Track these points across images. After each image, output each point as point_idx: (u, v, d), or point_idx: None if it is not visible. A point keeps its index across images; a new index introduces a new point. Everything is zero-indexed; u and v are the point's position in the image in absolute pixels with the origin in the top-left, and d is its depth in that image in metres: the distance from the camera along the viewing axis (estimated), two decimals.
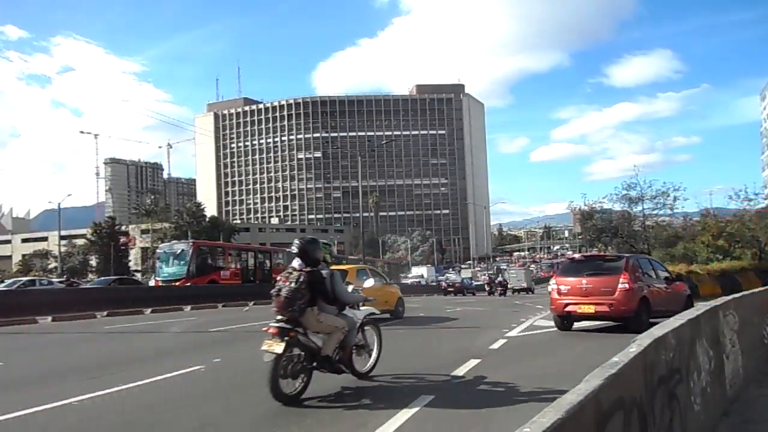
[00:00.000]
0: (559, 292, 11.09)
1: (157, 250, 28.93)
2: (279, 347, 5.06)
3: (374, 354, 6.51)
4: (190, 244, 27.86)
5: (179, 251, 26.68)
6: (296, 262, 5.62)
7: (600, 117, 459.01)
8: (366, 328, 6.39)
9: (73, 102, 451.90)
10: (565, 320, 11.35)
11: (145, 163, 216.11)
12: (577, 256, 13.68)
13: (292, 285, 5.32)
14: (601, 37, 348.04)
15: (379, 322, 7.08)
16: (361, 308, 6.38)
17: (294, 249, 5.65)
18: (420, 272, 74.50)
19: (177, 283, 24.80)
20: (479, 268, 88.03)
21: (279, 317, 5.31)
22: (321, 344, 5.52)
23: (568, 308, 10.91)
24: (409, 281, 59.15)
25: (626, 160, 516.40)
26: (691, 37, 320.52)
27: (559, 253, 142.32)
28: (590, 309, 10.63)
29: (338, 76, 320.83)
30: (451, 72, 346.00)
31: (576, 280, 10.97)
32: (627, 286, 10.33)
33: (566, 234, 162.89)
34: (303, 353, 5.37)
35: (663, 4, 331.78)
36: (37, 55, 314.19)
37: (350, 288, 6.47)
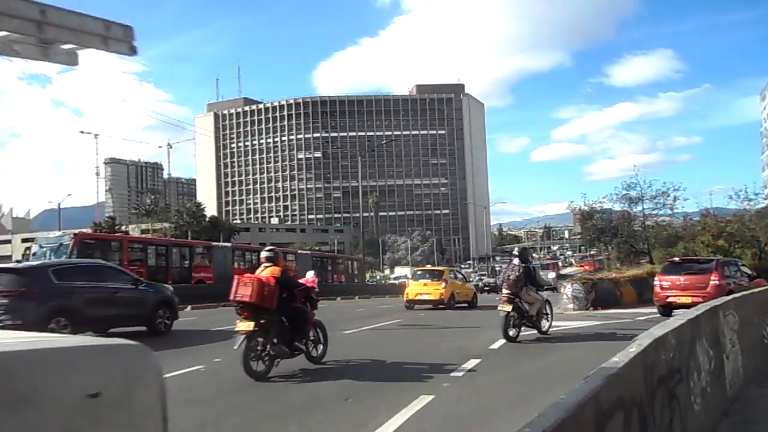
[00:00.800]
0: (662, 287, 13.98)
1: (33, 245, 24.20)
2: (508, 307, 9.38)
3: (550, 320, 10.40)
4: (72, 236, 23.53)
5: (57, 246, 22.38)
6: (516, 260, 10.03)
7: (600, 117, 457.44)
8: (546, 304, 10.31)
9: (73, 102, 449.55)
10: (666, 309, 13.69)
11: (145, 163, 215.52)
12: (676, 259, 16.76)
13: (516, 273, 9.66)
14: (601, 37, 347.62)
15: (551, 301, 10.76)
16: (544, 292, 10.39)
17: (515, 252, 10.42)
18: (404, 272, 64.57)
19: None
20: (476, 269, 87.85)
21: (506, 291, 9.60)
22: (528, 308, 9.68)
23: (669, 299, 13.71)
24: (396, 281, 53.38)
25: (626, 160, 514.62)
26: (692, 37, 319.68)
27: (558, 253, 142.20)
28: (687, 300, 12.90)
29: (339, 75, 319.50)
30: (451, 72, 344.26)
31: (675, 277, 13.94)
32: (717, 282, 13.10)
33: (566, 234, 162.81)
34: (517, 314, 9.52)
35: (663, 4, 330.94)
36: None
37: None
